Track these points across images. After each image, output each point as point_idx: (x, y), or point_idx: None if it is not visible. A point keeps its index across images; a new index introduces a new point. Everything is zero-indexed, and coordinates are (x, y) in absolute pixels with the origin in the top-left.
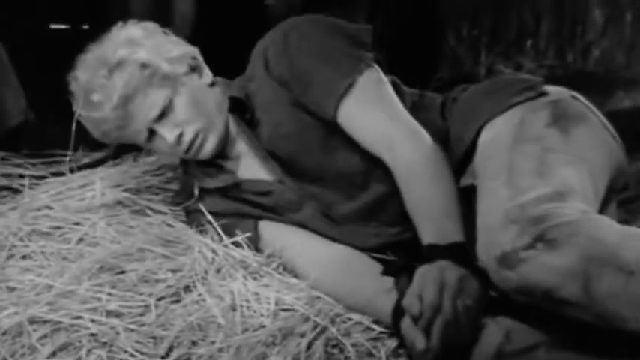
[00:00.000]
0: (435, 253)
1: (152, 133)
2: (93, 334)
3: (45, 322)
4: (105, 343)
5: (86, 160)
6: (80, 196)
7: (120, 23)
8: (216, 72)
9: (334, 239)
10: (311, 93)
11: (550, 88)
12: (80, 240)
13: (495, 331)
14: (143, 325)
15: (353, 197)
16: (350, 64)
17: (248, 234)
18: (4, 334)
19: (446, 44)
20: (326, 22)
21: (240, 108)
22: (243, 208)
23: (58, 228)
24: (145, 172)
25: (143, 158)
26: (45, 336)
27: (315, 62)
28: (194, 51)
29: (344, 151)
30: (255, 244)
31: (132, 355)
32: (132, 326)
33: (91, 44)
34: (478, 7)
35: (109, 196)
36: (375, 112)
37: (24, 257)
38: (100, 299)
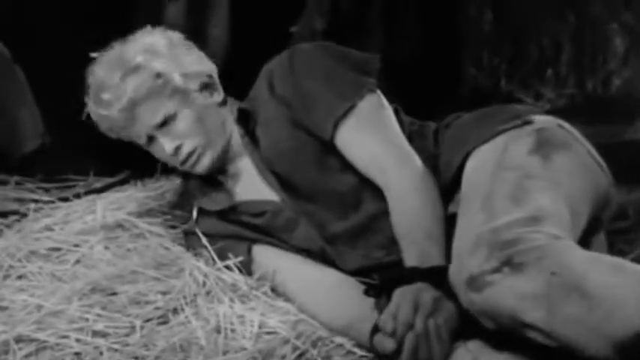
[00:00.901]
0: (414, 275)
1: (151, 139)
2: (77, 354)
3: (31, 340)
4: None
5: (97, 185)
6: (82, 219)
7: (148, 27)
8: (238, 93)
9: (325, 259)
10: (312, 114)
11: (537, 117)
12: (77, 262)
13: (463, 354)
14: (127, 345)
15: (344, 217)
16: (352, 88)
17: (241, 258)
18: None
19: (465, 72)
20: (332, 48)
21: (247, 119)
22: (239, 230)
23: (57, 249)
24: (147, 197)
25: (150, 183)
26: (30, 354)
27: (319, 85)
28: (211, 69)
29: (338, 171)
30: (247, 267)
31: None
32: (116, 346)
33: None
34: (498, 35)
35: (110, 218)
36: (370, 136)
37: (20, 277)
38: (87, 320)
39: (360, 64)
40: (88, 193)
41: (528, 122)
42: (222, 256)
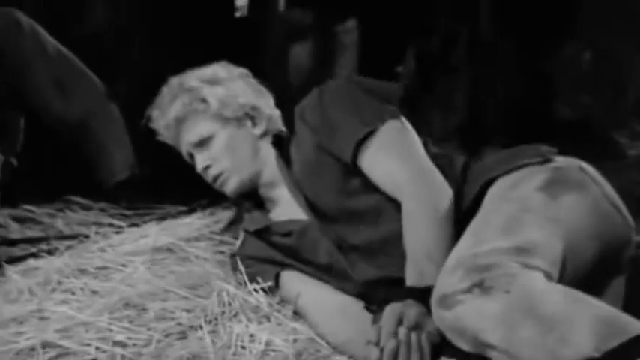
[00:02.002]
0: (408, 293)
1: (191, 156)
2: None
3: (56, 346)
4: None
5: (171, 212)
6: (136, 242)
7: (224, 62)
8: None
9: (345, 276)
10: (335, 138)
11: (560, 158)
12: (120, 280)
13: None
14: (140, 355)
15: (363, 233)
16: (374, 114)
17: (269, 283)
18: (17, 353)
19: (559, 111)
20: (359, 81)
21: (281, 144)
22: (271, 253)
23: (104, 268)
24: (204, 224)
25: (218, 212)
26: (52, 358)
27: (343, 112)
28: (260, 103)
29: (360, 192)
30: (274, 291)
31: None
32: (130, 355)
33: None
34: (596, 74)
35: (161, 242)
36: (390, 156)
37: (65, 292)
38: (111, 330)
39: (382, 92)
40: (160, 219)
41: (549, 160)
42: (253, 279)
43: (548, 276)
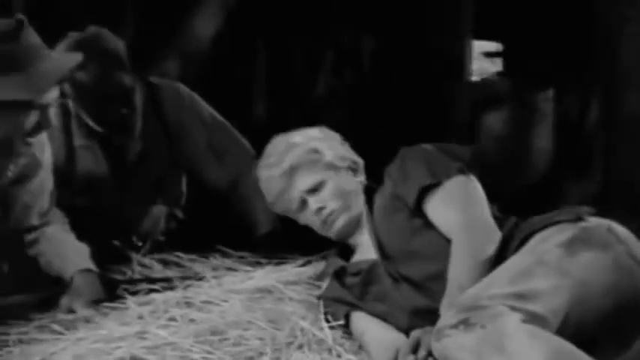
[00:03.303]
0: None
1: (303, 203)
2: None
3: (141, 359)
4: None
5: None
6: (242, 282)
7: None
8: None
9: (397, 304)
10: (405, 185)
11: (593, 218)
12: (218, 313)
13: None
14: None
15: (418, 266)
16: (442, 169)
17: (341, 322)
18: None
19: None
20: (435, 144)
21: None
22: (343, 292)
23: (208, 302)
24: (304, 272)
25: None
26: None
27: (417, 165)
28: (358, 160)
29: (421, 232)
30: (344, 329)
31: None
32: None
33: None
34: None
35: (264, 283)
36: (451, 204)
37: (168, 319)
38: (190, 351)
39: (455, 153)
40: (276, 264)
41: (581, 219)
42: (328, 318)
43: (542, 321)
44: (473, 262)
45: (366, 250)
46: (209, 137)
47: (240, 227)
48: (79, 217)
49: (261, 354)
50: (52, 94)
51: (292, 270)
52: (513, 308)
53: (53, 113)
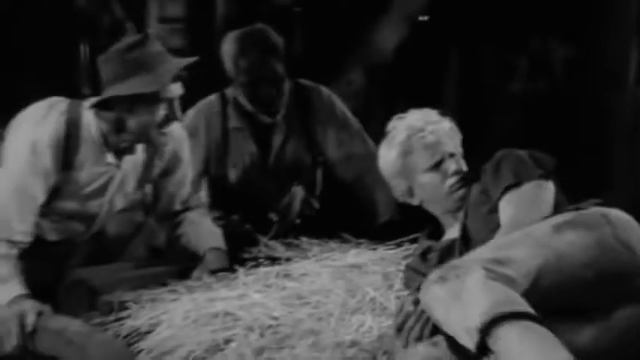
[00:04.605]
0: None
1: (440, 163)
2: None
3: (232, 314)
4: None
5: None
6: (341, 259)
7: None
8: None
9: None
10: (493, 182)
11: (592, 207)
12: (309, 282)
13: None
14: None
15: None
16: (526, 172)
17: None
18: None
19: None
20: (529, 151)
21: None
22: (421, 265)
23: (305, 275)
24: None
25: None
26: (229, 322)
27: (507, 166)
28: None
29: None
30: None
31: None
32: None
33: None
34: None
35: (358, 260)
36: (517, 203)
37: (265, 286)
38: (274, 310)
39: (544, 161)
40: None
41: (581, 208)
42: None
43: (510, 282)
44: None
45: (453, 232)
46: (341, 134)
47: (362, 216)
48: (230, 189)
49: (330, 315)
50: (176, 90)
51: (384, 250)
52: (486, 269)
53: (177, 106)
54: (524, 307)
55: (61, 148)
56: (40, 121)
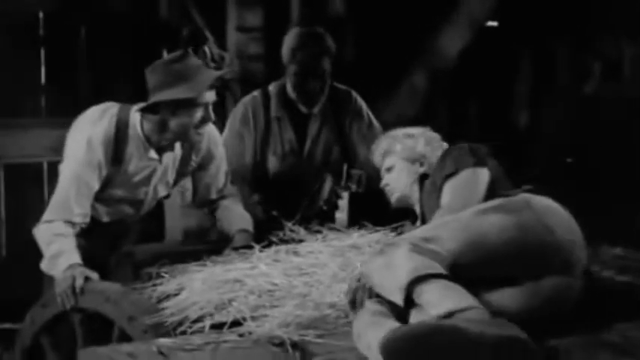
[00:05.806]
0: None
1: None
2: None
3: (239, 281)
4: None
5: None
6: (342, 240)
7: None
8: None
9: None
10: (437, 173)
11: (525, 194)
12: (313, 257)
13: None
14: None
15: None
16: (464, 160)
17: None
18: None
19: None
20: (470, 143)
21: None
22: None
23: (311, 252)
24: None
25: None
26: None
27: (448, 158)
28: (431, 154)
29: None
30: None
31: None
32: (272, 287)
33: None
34: None
35: (359, 242)
36: (453, 190)
37: (274, 260)
38: (270, 276)
39: (476, 150)
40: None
41: (510, 195)
42: None
43: (434, 254)
44: None
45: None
46: (365, 132)
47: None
48: (269, 175)
49: (321, 283)
50: (211, 97)
51: (382, 234)
52: (412, 244)
53: (211, 110)
54: (439, 269)
55: (111, 144)
56: (95, 122)
